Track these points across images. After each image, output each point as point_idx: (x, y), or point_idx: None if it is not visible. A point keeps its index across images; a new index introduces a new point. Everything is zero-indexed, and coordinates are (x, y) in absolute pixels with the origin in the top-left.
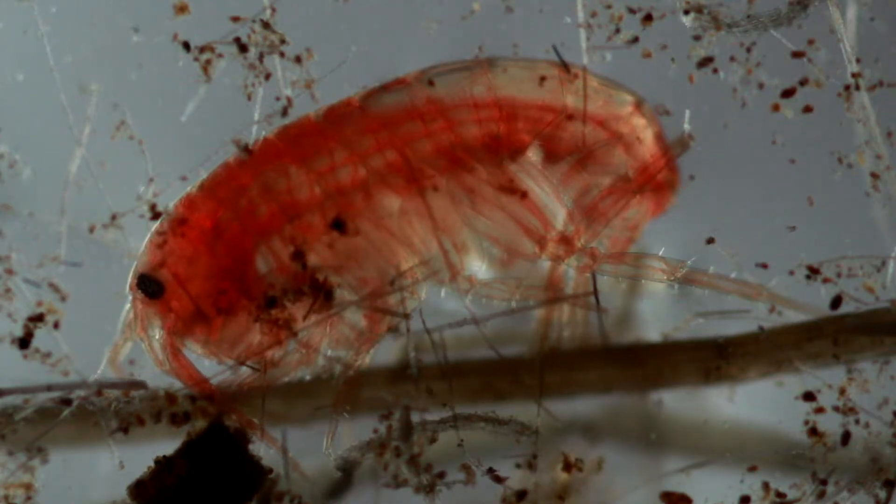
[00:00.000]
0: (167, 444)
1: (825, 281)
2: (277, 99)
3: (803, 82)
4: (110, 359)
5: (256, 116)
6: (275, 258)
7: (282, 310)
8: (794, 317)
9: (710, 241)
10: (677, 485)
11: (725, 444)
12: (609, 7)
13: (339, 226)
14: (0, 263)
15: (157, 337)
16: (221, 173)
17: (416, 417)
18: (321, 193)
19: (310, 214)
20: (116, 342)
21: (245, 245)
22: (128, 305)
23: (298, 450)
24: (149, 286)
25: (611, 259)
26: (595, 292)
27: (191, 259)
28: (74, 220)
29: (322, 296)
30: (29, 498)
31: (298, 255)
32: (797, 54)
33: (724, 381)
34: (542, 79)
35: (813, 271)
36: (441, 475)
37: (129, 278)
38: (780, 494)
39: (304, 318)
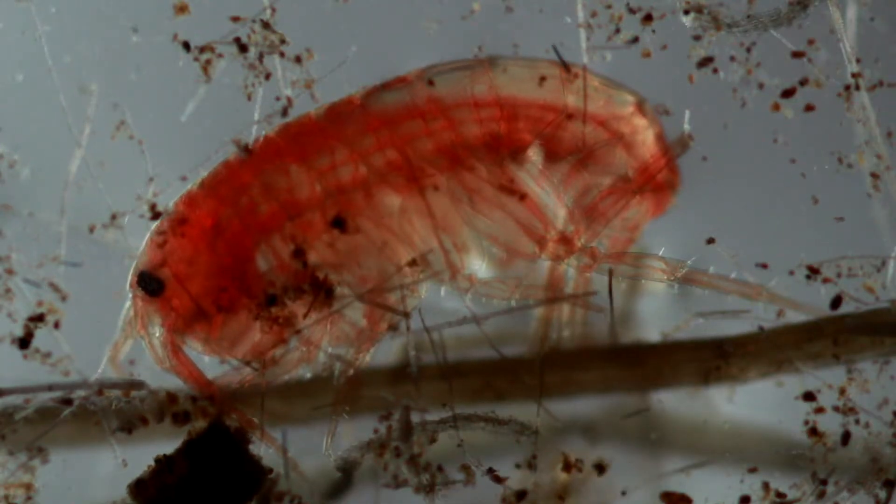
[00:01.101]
0: (167, 444)
1: (825, 281)
2: (277, 99)
3: (803, 82)
4: (111, 357)
5: (256, 116)
6: (275, 256)
7: (282, 308)
8: (794, 317)
9: (711, 241)
10: (677, 485)
11: (725, 444)
12: (609, 7)
13: (339, 224)
14: (0, 263)
15: (157, 335)
16: (222, 171)
17: (416, 417)
18: (322, 192)
19: (310, 213)
20: (117, 340)
21: (246, 243)
22: (128, 303)
23: (298, 450)
24: (149, 284)
25: (611, 259)
26: (610, 293)
27: (191, 257)
28: (74, 220)
29: (322, 294)
30: (29, 498)
31: (299, 254)
32: (797, 54)
33: (724, 381)
34: (543, 78)
35: (813, 271)
36: (440, 469)
37: (130, 276)
38: (780, 494)
39: (305, 316)
